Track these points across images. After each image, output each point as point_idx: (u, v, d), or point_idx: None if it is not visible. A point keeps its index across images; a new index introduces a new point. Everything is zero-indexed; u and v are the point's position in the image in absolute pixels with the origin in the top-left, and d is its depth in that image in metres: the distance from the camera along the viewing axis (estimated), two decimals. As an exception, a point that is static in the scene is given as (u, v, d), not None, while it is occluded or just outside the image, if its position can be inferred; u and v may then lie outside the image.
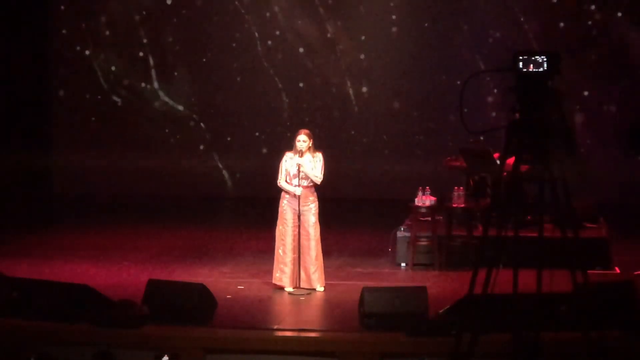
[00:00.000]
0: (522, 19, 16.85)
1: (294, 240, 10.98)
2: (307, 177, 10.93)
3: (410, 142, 17.27)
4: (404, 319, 9.29)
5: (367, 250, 13.37)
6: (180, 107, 17.84)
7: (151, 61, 17.78)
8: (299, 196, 10.90)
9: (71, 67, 17.88)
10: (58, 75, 17.91)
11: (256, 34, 17.53)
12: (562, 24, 16.75)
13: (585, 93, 16.73)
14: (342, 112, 17.50)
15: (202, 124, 17.81)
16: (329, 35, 17.43)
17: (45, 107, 17.78)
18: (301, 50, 17.49)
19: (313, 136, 11.08)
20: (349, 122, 17.47)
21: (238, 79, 17.62)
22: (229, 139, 17.72)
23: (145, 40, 17.74)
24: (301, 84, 17.54)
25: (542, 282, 7.22)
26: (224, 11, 17.57)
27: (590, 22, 16.74)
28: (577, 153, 13.83)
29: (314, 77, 17.52)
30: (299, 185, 10.92)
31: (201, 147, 17.78)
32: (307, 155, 10.96)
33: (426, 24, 17.18)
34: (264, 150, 17.33)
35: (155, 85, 17.84)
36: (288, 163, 11.00)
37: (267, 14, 17.50)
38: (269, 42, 17.53)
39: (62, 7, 17.80)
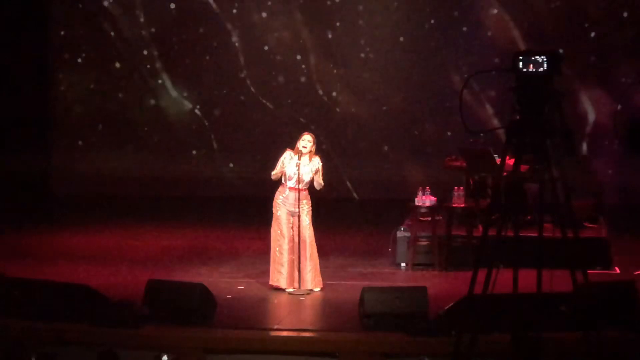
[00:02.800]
0: (521, 19, 16.86)
1: (290, 240, 10.95)
2: (302, 180, 10.90)
3: (410, 142, 17.27)
4: (404, 319, 9.29)
5: (367, 250, 13.36)
6: (180, 108, 17.84)
7: (152, 62, 17.78)
8: (297, 199, 10.86)
9: (71, 67, 17.89)
10: (58, 76, 17.92)
11: (257, 37, 17.54)
12: (561, 24, 16.78)
13: (586, 92, 16.74)
14: (342, 112, 17.50)
15: (202, 125, 17.81)
16: (329, 35, 17.44)
17: (45, 107, 17.79)
18: (301, 50, 17.50)
19: (316, 142, 11.05)
20: (349, 122, 17.47)
21: (240, 74, 17.62)
22: (229, 139, 17.72)
23: (146, 41, 17.75)
24: (302, 87, 17.55)
25: (542, 282, 7.22)
26: (223, 13, 17.57)
27: (589, 22, 16.78)
28: (577, 153, 13.82)
29: (315, 76, 17.52)
30: (295, 189, 10.89)
31: (202, 147, 17.79)
32: (306, 158, 10.94)
33: (426, 25, 17.19)
34: (265, 150, 17.32)
35: (156, 86, 17.84)
36: (286, 161, 10.96)
37: (266, 16, 17.51)
38: (269, 43, 17.54)
39: (60, 8, 17.83)
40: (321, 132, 16.92)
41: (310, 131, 11.23)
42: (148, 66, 17.82)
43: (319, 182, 10.95)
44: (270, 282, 11.04)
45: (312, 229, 11.04)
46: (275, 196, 11.05)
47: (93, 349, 8.95)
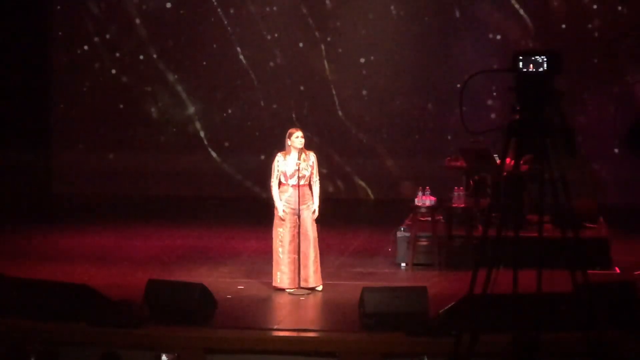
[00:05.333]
0: (522, 19, 16.86)
1: (293, 240, 10.94)
2: (304, 176, 10.90)
3: (410, 142, 17.27)
4: (404, 319, 9.29)
5: (367, 250, 13.36)
6: (180, 107, 17.84)
7: (151, 62, 17.77)
8: (298, 196, 10.87)
9: (71, 67, 17.88)
10: (58, 76, 17.91)
11: (255, 34, 17.53)
12: (563, 25, 16.78)
13: (585, 93, 16.74)
14: (342, 112, 17.49)
15: (201, 124, 17.81)
16: (328, 34, 17.43)
17: (44, 107, 17.79)
18: (301, 49, 17.49)
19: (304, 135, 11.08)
20: (349, 122, 17.47)
21: (241, 74, 17.62)
22: (228, 139, 17.72)
23: (145, 41, 17.74)
24: (302, 87, 17.55)
25: (542, 282, 7.22)
26: (222, 11, 17.56)
27: (589, 24, 16.78)
28: (577, 153, 13.79)
29: (314, 77, 17.51)
30: (297, 185, 10.88)
31: (201, 147, 17.78)
32: (302, 153, 10.94)
33: (426, 24, 17.18)
34: (264, 150, 17.32)
35: (155, 85, 17.83)
36: (281, 164, 10.94)
37: (267, 12, 17.50)
38: (269, 43, 17.53)
39: (60, 8, 17.82)
40: (321, 133, 16.94)
41: (303, 129, 11.22)
42: (148, 66, 17.80)
43: (315, 181, 10.95)
44: (274, 284, 11.02)
45: (315, 226, 11.02)
46: (280, 197, 11.01)
47: (93, 349, 8.96)
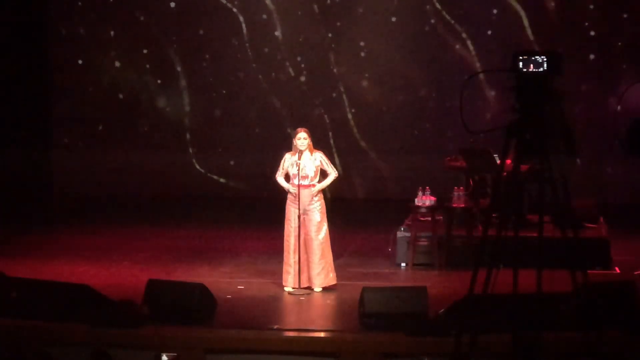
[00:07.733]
0: (522, 19, 16.87)
1: (296, 240, 10.94)
2: (307, 176, 10.89)
3: (410, 141, 17.27)
4: (404, 319, 9.29)
5: (367, 250, 13.36)
6: (181, 108, 17.84)
7: (152, 61, 17.78)
8: (299, 196, 10.86)
9: (72, 67, 17.87)
10: (59, 76, 17.90)
11: (254, 34, 17.53)
12: (562, 24, 16.78)
13: (585, 92, 16.73)
14: (341, 112, 17.49)
15: (202, 124, 17.81)
16: (328, 34, 17.43)
17: (45, 107, 17.79)
18: (300, 49, 17.50)
19: (311, 135, 11.06)
20: (349, 122, 17.47)
21: (239, 75, 17.62)
22: (230, 139, 17.72)
23: (146, 41, 17.74)
24: (302, 79, 17.54)
25: (542, 282, 7.22)
26: (221, 12, 17.56)
27: (589, 22, 16.79)
28: (577, 153, 13.82)
29: (314, 76, 17.51)
30: (299, 185, 10.88)
31: (202, 146, 17.78)
32: (306, 154, 10.94)
33: (426, 24, 17.18)
34: (264, 149, 17.31)
35: (156, 85, 17.83)
36: (287, 162, 10.97)
37: (265, 16, 17.51)
38: (267, 41, 17.54)
39: (60, 6, 17.83)
40: (321, 132, 16.92)
41: (304, 127, 11.22)
42: (148, 66, 17.82)
43: (330, 172, 10.89)
44: (283, 283, 11.04)
45: (324, 226, 10.99)
46: (287, 196, 11.02)
47: (90, 348, 8.95)
